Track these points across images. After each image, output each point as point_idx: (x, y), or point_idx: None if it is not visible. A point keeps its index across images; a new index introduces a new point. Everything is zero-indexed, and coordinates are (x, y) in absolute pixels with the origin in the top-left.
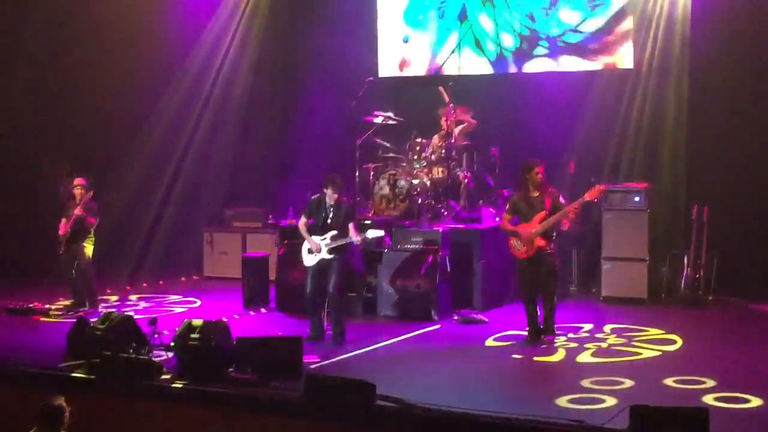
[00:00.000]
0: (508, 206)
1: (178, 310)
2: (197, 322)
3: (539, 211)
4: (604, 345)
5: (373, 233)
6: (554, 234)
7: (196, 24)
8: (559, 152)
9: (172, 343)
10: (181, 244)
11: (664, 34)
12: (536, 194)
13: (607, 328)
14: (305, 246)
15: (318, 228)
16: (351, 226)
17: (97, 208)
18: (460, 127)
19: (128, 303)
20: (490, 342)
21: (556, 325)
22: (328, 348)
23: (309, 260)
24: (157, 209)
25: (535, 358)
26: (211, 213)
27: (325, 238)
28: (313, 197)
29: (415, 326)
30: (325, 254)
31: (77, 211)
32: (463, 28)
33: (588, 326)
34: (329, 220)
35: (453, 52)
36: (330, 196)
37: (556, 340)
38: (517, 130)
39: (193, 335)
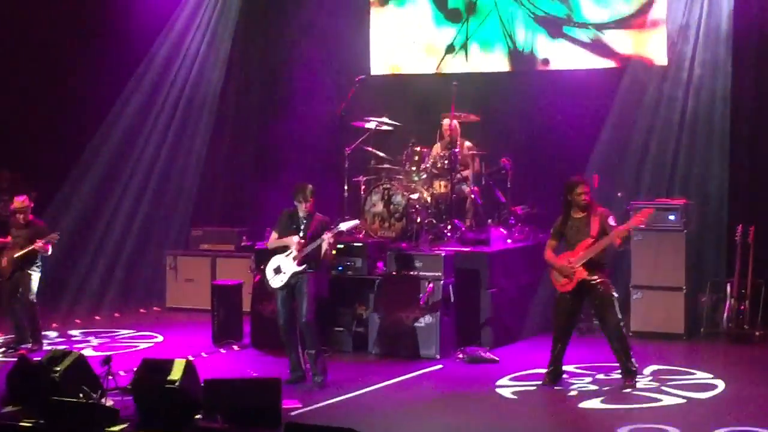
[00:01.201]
0: (551, 231)
1: (138, 346)
2: (159, 361)
3: (585, 237)
4: (636, 387)
5: (346, 225)
6: (604, 261)
7: (158, 19)
8: (580, 163)
9: (129, 386)
10: (140, 270)
11: (705, 27)
12: (581, 215)
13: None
14: (270, 266)
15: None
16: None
17: (46, 230)
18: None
19: (78, 339)
20: (501, 384)
21: (580, 365)
22: (310, 391)
23: (276, 280)
24: (112, 229)
25: (576, 405)
26: (175, 234)
27: (289, 252)
28: (285, 210)
29: (412, 366)
30: (294, 267)
31: (39, 244)
32: (471, 19)
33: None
34: (301, 233)
35: (459, 46)
36: (302, 208)
37: (636, 381)
38: (532, 138)
39: (153, 377)
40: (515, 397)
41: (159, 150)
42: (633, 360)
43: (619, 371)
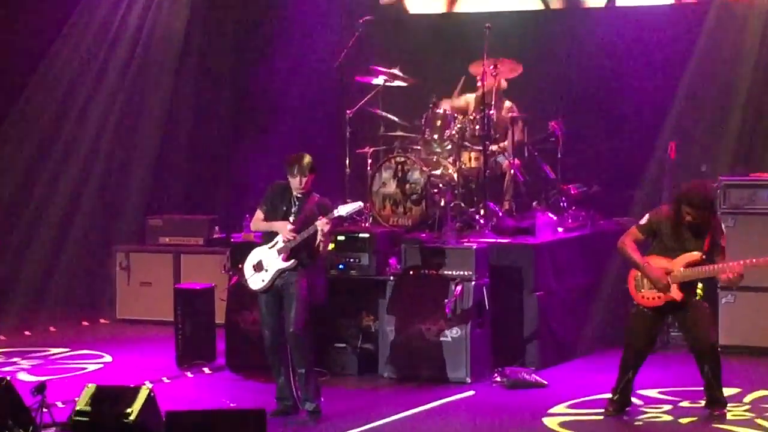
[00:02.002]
0: (644, 221)
1: (80, 370)
2: (107, 388)
3: (690, 247)
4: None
5: (346, 209)
6: (699, 285)
7: None
8: (653, 128)
9: (69, 422)
10: (82, 271)
11: None
12: (693, 221)
13: (736, 393)
14: (249, 261)
15: (270, 234)
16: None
17: None
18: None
19: (0, 361)
20: (552, 414)
21: (657, 390)
22: (303, 426)
23: (256, 280)
24: (45, 219)
25: None
26: (126, 224)
27: (274, 243)
28: (275, 183)
29: (436, 393)
30: (280, 263)
31: None
32: None
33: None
34: (291, 217)
35: None
36: (296, 185)
37: (727, 411)
38: (590, 96)
39: (101, 409)
40: (567, 431)
41: (106, 116)
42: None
43: (705, 399)
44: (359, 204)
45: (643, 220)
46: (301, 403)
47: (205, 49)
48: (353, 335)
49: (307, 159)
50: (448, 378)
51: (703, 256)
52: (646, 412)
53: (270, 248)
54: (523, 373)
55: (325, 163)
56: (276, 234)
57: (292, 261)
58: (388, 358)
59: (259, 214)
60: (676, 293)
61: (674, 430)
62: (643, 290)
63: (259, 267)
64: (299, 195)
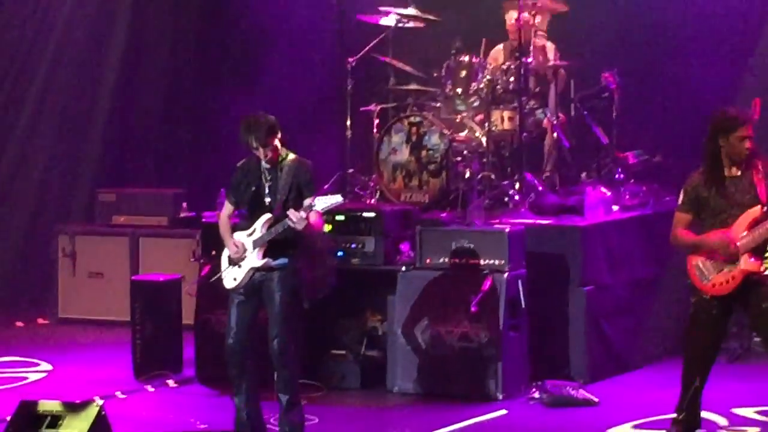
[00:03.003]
0: (681, 197)
1: (13, 382)
2: (47, 406)
3: (748, 205)
4: None
5: (324, 202)
6: None
7: None
8: (729, 81)
9: None
10: (16, 259)
11: None
12: (737, 173)
13: None
14: (225, 254)
15: (250, 216)
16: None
17: None
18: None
19: None
20: None
21: (754, 409)
22: None
23: (228, 277)
24: None
25: None
26: (72, 199)
27: (252, 231)
28: (239, 164)
29: (458, 413)
30: (254, 259)
31: None
32: None
33: None
34: (266, 198)
35: None
36: (262, 154)
37: None
38: (652, 40)
39: (37, 431)
40: None
41: (53, 67)
42: None
43: None
44: (338, 198)
45: (680, 197)
46: None
47: None
48: (355, 340)
49: (266, 120)
50: (474, 394)
51: (765, 208)
52: None
53: (248, 236)
54: (568, 388)
55: (320, 124)
56: (256, 219)
57: (267, 260)
58: (399, 369)
59: (226, 206)
60: (749, 264)
61: None
62: (710, 277)
63: (233, 261)
64: (270, 166)
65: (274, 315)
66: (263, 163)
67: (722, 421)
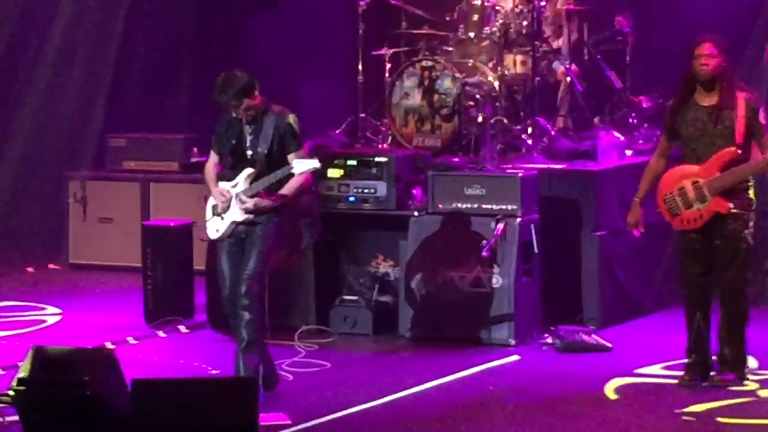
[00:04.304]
0: (663, 125)
1: (24, 328)
2: (58, 350)
3: (718, 135)
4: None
5: (301, 166)
6: (749, 183)
7: None
8: (743, 26)
9: (10, 392)
10: (26, 204)
11: None
12: (710, 103)
13: None
14: (210, 203)
15: (233, 167)
16: (292, 156)
17: None
18: None
19: None
20: (614, 386)
21: (748, 356)
22: (301, 398)
23: (211, 228)
24: None
25: (719, 419)
26: (81, 144)
27: (235, 183)
28: (223, 114)
29: (471, 358)
30: (236, 213)
31: None
32: None
33: None
34: (248, 150)
35: None
36: (234, 113)
37: (746, 383)
38: None
39: (49, 376)
40: (636, 403)
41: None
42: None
43: (734, 359)
44: (315, 163)
45: (663, 125)
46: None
47: None
48: (367, 285)
49: (236, 80)
50: (487, 339)
51: (739, 148)
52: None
53: (233, 187)
54: (581, 334)
55: (331, 69)
56: (239, 171)
57: (248, 216)
58: (411, 314)
59: (211, 159)
60: (718, 204)
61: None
62: (680, 212)
63: (216, 210)
64: (249, 120)
65: (248, 262)
66: (244, 118)
67: (753, 362)
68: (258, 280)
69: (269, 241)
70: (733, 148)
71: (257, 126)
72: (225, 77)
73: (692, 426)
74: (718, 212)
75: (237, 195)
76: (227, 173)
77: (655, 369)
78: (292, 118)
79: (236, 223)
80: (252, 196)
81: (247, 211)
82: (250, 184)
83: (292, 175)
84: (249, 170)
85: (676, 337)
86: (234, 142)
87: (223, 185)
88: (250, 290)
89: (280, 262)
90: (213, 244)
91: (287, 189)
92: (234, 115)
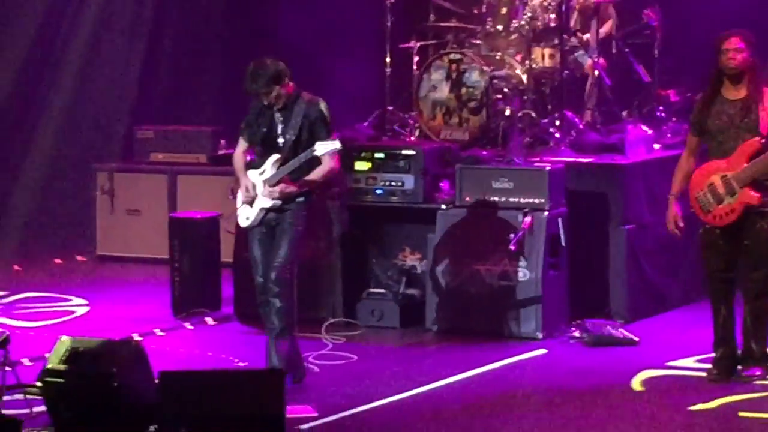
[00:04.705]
0: (691, 121)
1: (52, 319)
2: (85, 342)
3: (744, 129)
4: None
5: (323, 147)
6: None
7: None
8: None
9: (38, 383)
10: (54, 195)
11: None
12: (737, 97)
13: None
14: (240, 191)
15: (262, 155)
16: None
17: None
18: None
19: None
20: (641, 378)
21: None
22: (327, 391)
23: (243, 216)
24: (10, 132)
25: (740, 414)
26: (109, 137)
27: (263, 170)
28: (253, 103)
29: (497, 352)
30: (265, 200)
31: None
32: None
33: None
34: (279, 138)
35: None
36: (265, 101)
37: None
38: None
39: (78, 368)
40: (663, 397)
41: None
42: None
43: (760, 353)
44: (336, 145)
45: (690, 121)
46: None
47: None
48: (394, 278)
49: (265, 69)
50: (514, 333)
51: (763, 141)
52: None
53: (260, 175)
54: (608, 327)
55: (359, 62)
56: (267, 157)
57: (276, 201)
58: (438, 308)
59: (239, 146)
60: (749, 196)
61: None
62: (712, 208)
63: (248, 200)
64: (280, 107)
65: (278, 250)
66: (276, 105)
67: None
68: (289, 268)
69: (299, 229)
70: (757, 138)
71: (288, 113)
72: (255, 66)
73: (711, 420)
74: (748, 209)
75: (264, 182)
76: (257, 161)
77: (689, 362)
78: (323, 105)
79: (265, 210)
80: (277, 183)
81: (273, 197)
82: (277, 169)
83: (318, 161)
84: (275, 156)
85: (705, 331)
86: (265, 130)
87: (252, 173)
88: (280, 277)
89: (310, 250)
90: (241, 236)
91: (314, 175)
92: (265, 103)
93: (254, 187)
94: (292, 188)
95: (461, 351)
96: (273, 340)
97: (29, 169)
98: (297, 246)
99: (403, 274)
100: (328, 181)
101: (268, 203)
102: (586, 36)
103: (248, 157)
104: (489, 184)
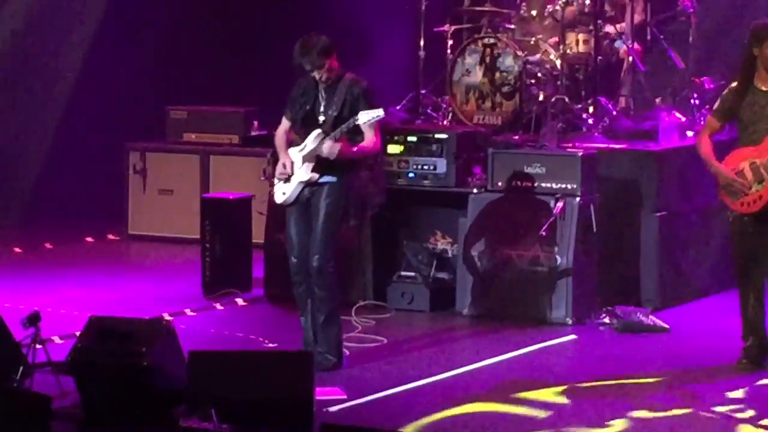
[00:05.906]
0: (717, 103)
1: (90, 294)
2: (116, 321)
3: None
4: None
5: (366, 115)
6: None
7: None
8: None
9: (68, 361)
10: (86, 175)
11: None
12: None
13: None
14: (279, 168)
15: (304, 133)
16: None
17: None
18: None
19: None
20: (674, 366)
21: None
22: (356, 373)
23: (280, 192)
24: (38, 110)
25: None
26: (141, 116)
27: (303, 146)
28: (298, 81)
29: (527, 337)
30: (302, 173)
31: None
32: None
33: None
34: (321, 115)
35: None
36: (317, 75)
37: None
38: None
39: (107, 347)
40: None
41: None
42: None
43: None
44: (380, 112)
45: (716, 103)
46: (317, 354)
47: None
48: (424, 262)
49: (317, 41)
50: (544, 318)
51: None
52: None
53: (300, 151)
54: (639, 314)
55: (393, 45)
56: (308, 133)
57: (313, 174)
58: (468, 292)
59: (282, 125)
60: None
61: None
62: (736, 195)
63: (284, 177)
64: (326, 85)
65: (316, 232)
66: (320, 82)
67: None
68: (329, 257)
69: (334, 208)
70: None
71: (331, 91)
72: (304, 40)
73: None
74: None
75: (304, 156)
76: (297, 139)
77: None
78: (366, 84)
79: (303, 184)
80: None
81: (319, 153)
82: (319, 143)
83: (361, 134)
84: (317, 131)
85: (735, 319)
86: (308, 107)
87: (292, 151)
88: (322, 269)
89: (346, 233)
90: (273, 217)
91: (357, 146)
92: (317, 77)
93: (292, 164)
94: (338, 146)
95: (491, 336)
96: (320, 329)
97: (63, 149)
98: (335, 231)
99: (434, 258)
100: (368, 156)
101: (306, 176)
102: (621, 23)
103: (288, 137)
104: (521, 169)
